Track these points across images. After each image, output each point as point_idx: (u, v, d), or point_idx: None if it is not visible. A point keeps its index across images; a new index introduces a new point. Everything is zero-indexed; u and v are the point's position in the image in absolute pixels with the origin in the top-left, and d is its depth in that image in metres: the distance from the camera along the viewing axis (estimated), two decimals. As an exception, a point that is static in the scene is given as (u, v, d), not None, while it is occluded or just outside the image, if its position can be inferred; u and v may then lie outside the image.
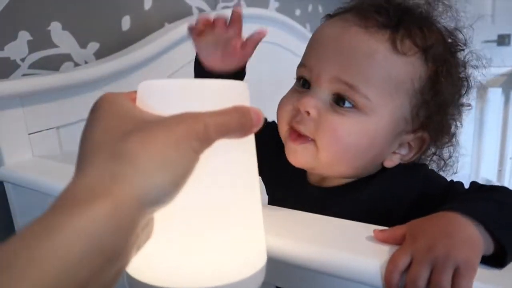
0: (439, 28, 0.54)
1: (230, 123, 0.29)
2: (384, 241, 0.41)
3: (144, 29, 1.04)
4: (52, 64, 0.86)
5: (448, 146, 0.58)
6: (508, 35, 2.31)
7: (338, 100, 0.50)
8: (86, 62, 0.92)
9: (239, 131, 0.29)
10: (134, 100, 0.32)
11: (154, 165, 0.26)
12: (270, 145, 0.58)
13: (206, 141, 0.28)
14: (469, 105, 0.58)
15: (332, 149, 0.50)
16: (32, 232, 0.22)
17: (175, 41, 1.02)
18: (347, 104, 0.49)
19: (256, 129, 0.30)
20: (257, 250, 0.34)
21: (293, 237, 0.42)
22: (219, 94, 0.31)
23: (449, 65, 0.52)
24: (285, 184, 0.58)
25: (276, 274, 0.44)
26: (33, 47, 0.82)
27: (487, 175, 1.78)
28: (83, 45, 0.91)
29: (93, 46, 0.93)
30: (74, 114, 0.82)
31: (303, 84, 0.54)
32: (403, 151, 0.54)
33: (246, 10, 1.29)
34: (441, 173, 0.58)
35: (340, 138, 0.49)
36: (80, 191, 0.25)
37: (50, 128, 0.79)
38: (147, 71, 0.97)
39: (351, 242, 0.41)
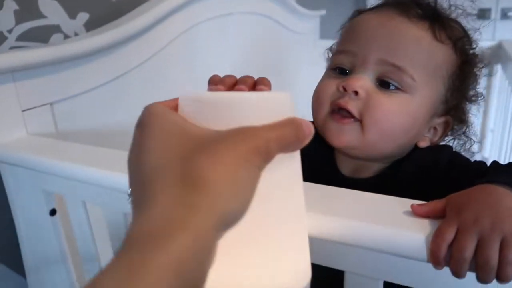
0: (460, 26, 0.59)
1: (288, 136, 0.28)
2: (424, 215, 0.40)
3: (135, -1, 0.99)
4: (41, 35, 0.80)
5: (464, 132, 0.61)
6: (489, 9, 2.34)
7: (383, 83, 0.53)
8: (76, 34, 0.86)
9: (295, 144, 0.29)
10: (175, 108, 0.31)
11: (227, 189, 0.24)
12: None
13: (268, 157, 0.27)
14: (482, 95, 0.63)
15: (380, 128, 0.52)
16: (117, 273, 0.21)
17: (168, 12, 0.98)
18: (392, 87, 0.52)
19: (308, 141, 0.30)
20: (303, 267, 0.33)
21: (333, 213, 0.41)
22: (269, 107, 0.30)
23: (470, 58, 0.58)
24: (316, 177, 0.58)
25: (318, 252, 0.43)
26: (20, 17, 0.76)
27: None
28: (72, 15, 0.86)
29: (83, 16, 0.88)
30: (67, 89, 0.78)
31: (341, 71, 0.56)
32: (430, 134, 0.58)
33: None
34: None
35: (388, 117, 0.52)
36: (155, 224, 0.23)
37: (44, 105, 0.74)
38: (140, 42, 0.93)
39: (390, 217, 0.40)
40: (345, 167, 0.61)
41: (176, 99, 0.32)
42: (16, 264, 0.78)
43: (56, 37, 0.83)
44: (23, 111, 0.71)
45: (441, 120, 0.58)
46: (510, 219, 0.35)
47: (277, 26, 1.53)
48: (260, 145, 0.26)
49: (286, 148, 0.29)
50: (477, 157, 1.81)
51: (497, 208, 0.36)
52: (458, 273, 0.36)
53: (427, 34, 0.54)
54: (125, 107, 0.92)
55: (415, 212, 0.40)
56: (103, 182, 0.58)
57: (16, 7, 0.75)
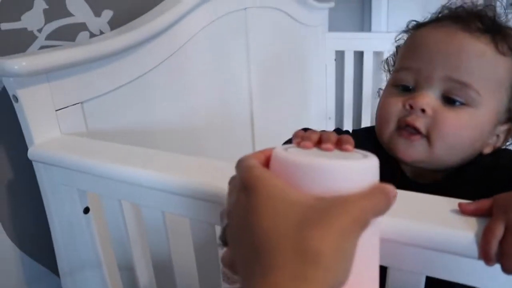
0: None
1: (380, 205, 0.30)
2: (471, 213, 0.42)
3: (155, -5, 0.99)
4: (69, 34, 0.81)
5: None
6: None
7: (448, 99, 0.54)
8: (101, 31, 0.87)
9: (385, 210, 0.31)
10: (265, 162, 0.34)
11: (335, 261, 0.26)
12: (365, 144, 0.62)
13: (365, 226, 0.29)
14: None
15: (448, 143, 0.54)
16: None
17: (190, 8, 0.98)
18: (457, 102, 0.54)
19: (394, 202, 0.32)
20: None
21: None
22: (362, 175, 0.32)
23: None
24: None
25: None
26: (49, 16, 0.77)
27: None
28: (97, 13, 0.86)
29: (107, 14, 0.88)
30: (95, 87, 0.79)
31: (404, 89, 0.57)
32: (493, 141, 0.60)
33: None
34: None
35: (455, 132, 0.53)
36: None
37: (75, 104, 0.75)
38: (164, 39, 0.93)
39: (439, 216, 0.42)
40: (409, 172, 0.63)
41: (265, 152, 0.34)
42: (54, 264, 0.80)
43: (82, 35, 0.84)
44: (57, 110, 0.72)
45: (504, 127, 0.59)
46: None
47: (289, 19, 1.54)
48: (359, 215, 0.28)
49: (378, 214, 0.31)
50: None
51: None
52: (509, 268, 0.37)
53: (489, 48, 0.54)
54: (150, 104, 0.93)
55: (463, 211, 0.42)
56: (138, 181, 0.60)
57: (46, 6, 0.76)
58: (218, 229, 0.51)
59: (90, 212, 0.73)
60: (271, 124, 1.44)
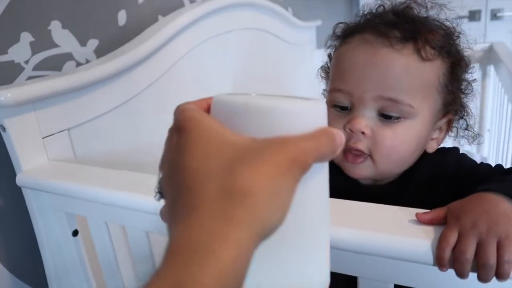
0: (439, 25, 0.60)
1: (324, 147, 0.28)
2: (428, 222, 0.44)
3: (139, 23, 1.03)
4: (55, 64, 0.84)
5: (465, 118, 0.63)
6: (479, 11, 2.39)
7: (384, 114, 0.56)
8: (87, 60, 0.91)
9: (329, 155, 0.29)
10: (207, 109, 0.32)
11: (267, 201, 0.25)
12: None
13: (305, 168, 0.27)
14: (474, 79, 0.64)
15: (390, 160, 0.57)
16: None
17: (173, 34, 1.03)
18: (393, 117, 0.55)
19: (340, 150, 0.31)
20: (324, 274, 0.34)
21: (346, 225, 0.45)
22: (305, 115, 0.30)
23: (456, 53, 0.60)
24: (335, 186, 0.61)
25: (333, 260, 0.47)
26: (35, 48, 0.80)
27: (468, 148, 1.86)
28: (83, 42, 0.90)
29: (93, 43, 0.92)
30: (82, 114, 0.82)
31: (342, 108, 0.58)
32: (436, 134, 0.61)
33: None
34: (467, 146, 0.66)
35: (396, 148, 0.56)
36: (197, 238, 0.23)
37: (62, 131, 0.78)
38: (148, 65, 0.97)
39: (397, 226, 0.44)
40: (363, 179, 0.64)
41: (207, 99, 0.32)
42: (44, 286, 0.81)
43: (69, 64, 0.87)
44: (44, 138, 0.74)
45: (444, 120, 0.61)
46: (503, 222, 0.39)
47: (275, 39, 1.58)
48: (299, 156, 0.26)
49: (321, 158, 0.29)
50: (476, 158, 1.84)
51: (491, 213, 0.40)
52: (461, 274, 0.40)
53: (413, 59, 0.55)
54: (136, 128, 0.96)
55: (421, 220, 0.44)
56: (123, 203, 0.62)
57: (32, 39, 0.80)
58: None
59: (79, 234, 0.76)
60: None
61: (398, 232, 0.43)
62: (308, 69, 1.85)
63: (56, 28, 0.84)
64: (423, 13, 0.61)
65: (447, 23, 0.61)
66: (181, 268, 0.22)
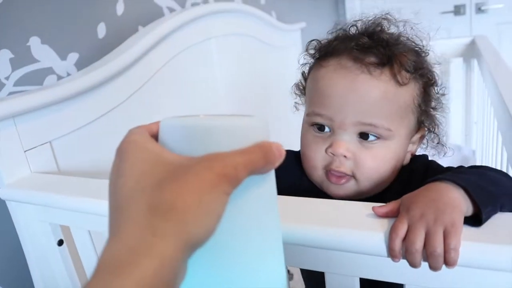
0: (410, 44, 0.62)
1: (256, 161, 0.30)
2: (383, 215, 0.46)
3: (120, 34, 1.05)
4: (36, 79, 0.87)
5: (435, 132, 0.66)
6: (463, 5, 2.41)
7: (364, 135, 0.58)
8: (68, 73, 0.93)
9: (264, 168, 0.31)
10: (155, 135, 0.34)
11: (192, 215, 0.26)
12: (290, 171, 0.65)
13: (235, 182, 0.28)
14: (444, 93, 0.67)
15: (372, 178, 0.59)
16: None
17: (150, 46, 1.05)
18: (371, 137, 0.58)
19: (279, 163, 0.32)
20: (278, 279, 0.35)
21: (306, 221, 0.47)
22: (240, 132, 0.31)
23: (428, 71, 0.63)
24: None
25: (300, 257, 0.49)
26: (15, 64, 0.83)
27: (456, 141, 1.88)
28: (63, 57, 0.92)
29: (73, 56, 0.94)
30: (64, 126, 0.84)
31: (320, 128, 0.60)
32: (410, 147, 0.64)
33: (214, 6, 1.32)
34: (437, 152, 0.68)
35: (377, 168, 0.59)
36: (122, 252, 0.25)
37: (44, 143, 0.80)
38: (129, 75, 0.99)
39: (355, 220, 0.46)
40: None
41: (158, 123, 0.34)
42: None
43: (50, 78, 0.89)
44: (26, 151, 0.76)
45: (418, 136, 0.64)
46: (449, 211, 0.41)
47: (259, 43, 1.60)
48: (228, 171, 0.28)
49: (255, 172, 0.30)
50: (465, 151, 1.84)
51: (438, 203, 0.42)
52: (413, 264, 0.41)
53: (390, 84, 0.57)
54: (119, 138, 0.97)
55: (377, 213, 0.46)
56: (104, 212, 0.64)
57: (11, 55, 0.82)
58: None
59: (64, 244, 0.78)
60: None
61: (354, 226, 0.45)
62: (294, 71, 1.87)
63: (35, 43, 0.86)
64: (394, 29, 0.63)
65: (417, 41, 0.63)
66: (104, 281, 0.23)
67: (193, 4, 1.33)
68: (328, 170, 0.60)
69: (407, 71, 0.58)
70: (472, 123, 1.79)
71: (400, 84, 0.57)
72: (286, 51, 1.82)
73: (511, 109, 0.72)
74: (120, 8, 1.06)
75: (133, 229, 0.26)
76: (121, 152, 0.30)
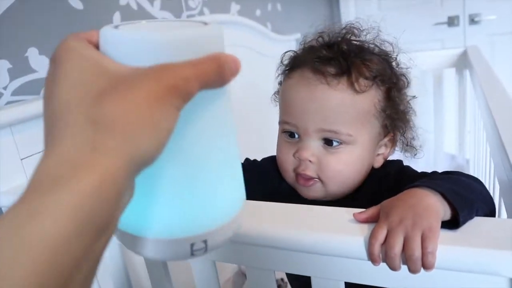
0: (373, 51, 0.65)
1: (210, 73, 0.27)
2: (364, 221, 0.47)
3: (116, 45, 1.07)
4: (33, 88, 0.89)
5: (410, 131, 0.69)
6: (457, 16, 2.45)
7: (328, 141, 0.62)
8: (65, 84, 0.95)
9: (218, 82, 0.28)
10: (95, 42, 0.30)
11: (137, 130, 0.24)
12: (271, 175, 0.71)
13: (187, 96, 0.26)
14: (414, 96, 0.70)
15: (336, 181, 0.62)
16: (17, 216, 0.21)
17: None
18: (335, 143, 0.62)
19: (234, 77, 0.29)
20: (236, 197, 0.35)
21: (287, 225, 0.48)
22: (194, 42, 0.28)
23: (392, 76, 0.65)
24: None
25: (274, 260, 0.50)
26: (13, 74, 0.85)
27: (450, 150, 1.90)
28: (60, 67, 0.94)
29: (70, 67, 0.96)
30: (60, 135, 0.86)
31: (291, 135, 0.65)
32: (382, 150, 0.68)
33: (209, 18, 1.35)
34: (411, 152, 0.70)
35: (341, 171, 0.62)
36: (59, 165, 0.22)
37: (40, 152, 0.82)
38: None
39: (337, 225, 0.48)
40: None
41: (98, 31, 0.30)
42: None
43: (47, 88, 0.91)
44: (22, 159, 0.78)
45: (386, 139, 0.67)
46: (426, 216, 0.43)
47: (254, 53, 1.63)
48: (177, 83, 0.25)
49: (208, 85, 0.27)
50: (459, 160, 1.86)
51: (417, 208, 0.44)
52: (393, 267, 0.43)
53: (348, 93, 0.60)
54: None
55: (357, 219, 0.48)
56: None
57: (10, 66, 0.84)
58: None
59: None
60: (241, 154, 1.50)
61: (335, 231, 0.47)
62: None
63: (33, 54, 0.88)
64: (362, 36, 0.66)
65: (386, 45, 0.66)
66: (39, 194, 0.21)
67: (189, 16, 1.36)
68: (297, 173, 0.64)
69: (366, 78, 0.61)
70: (466, 132, 1.81)
71: (357, 91, 0.60)
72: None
73: (498, 122, 0.74)
74: (116, 20, 1.09)
75: (71, 142, 0.23)
76: (56, 59, 0.27)
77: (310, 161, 0.62)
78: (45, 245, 0.20)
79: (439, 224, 0.43)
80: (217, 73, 0.28)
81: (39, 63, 0.90)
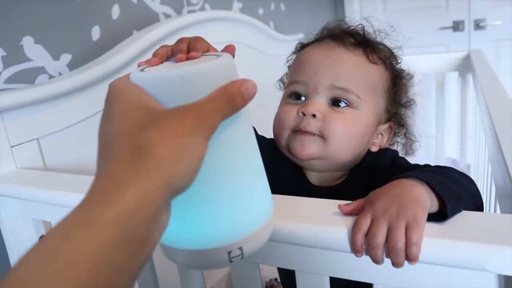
0: (386, 47, 0.70)
1: (224, 106, 0.32)
2: (349, 213, 0.46)
3: (114, 37, 1.07)
4: (27, 77, 0.88)
5: (404, 133, 0.71)
6: (462, 21, 2.43)
7: (335, 102, 0.62)
8: (60, 73, 0.94)
9: (232, 111, 0.33)
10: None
11: (172, 156, 0.28)
12: (270, 160, 0.67)
13: (212, 127, 0.31)
14: (413, 100, 0.72)
15: (339, 138, 0.61)
16: (68, 226, 0.25)
17: (144, 49, 1.06)
18: (342, 104, 0.62)
19: (250, 100, 0.34)
20: (267, 204, 0.39)
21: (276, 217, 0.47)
22: (210, 77, 0.34)
23: (398, 72, 0.70)
24: (289, 189, 0.63)
25: (258, 252, 0.49)
26: (7, 62, 0.84)
27: (451, 155, 1.88)
28: (56, 57, 0.94)
29: (66, 57, 0.96)
30: (52, 124, 0.85)
31: (296, 97, 0.64)
32: (378, 140, 0.68)
33: (211, 13, 1.34)
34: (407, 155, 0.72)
35: (344, 129, 0.61)
36: (107, 183, 0.27)
37: (31, 140, 0.81)
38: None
39: (322, 217, 0.47)
40: (314, 179, 0.68)
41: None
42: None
43: (41, 77, 0.91)
44: (12, 146, 0.78)
45: (385, 126, 0.68)
46: (412, 206, 0.41)
47: (256, 52, 1.62)
48: (203, 116, 0.30)
49: (227, 115, 0.32)
50: (460, 165, 1.84)
51: (402, 198, 0.43)
52: (375, 258, 0.41)
53: (362, 58, 0.64)
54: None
55: (342, 211, 0.47)
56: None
57: (4, 53, 0.84)
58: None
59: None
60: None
61: (318, 222, 0.45)
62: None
63: (28, 43, 0.88)
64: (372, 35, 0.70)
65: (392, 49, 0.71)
66: (90, 208, 0.26)
67: (190, 12, 1.36)
68: (296, 131, 0.62)
69: (379, 57, 0.66)
70: (467, 137, 1.79)
71: (370, 61, 0.65)
72: (283, 61, 1.84)
73: (496, 125, 0.72)
74: (115, 12, 1.08)
75: (118, 166, 0.28)
76: (109, 100, 0.33)
77: (314, 116, 0.61)
78: (90, 254, 0.24)
79: (425, 215, 0.42)
80: (229, 104, 0.32)
81: (34, 52, 0.89)
